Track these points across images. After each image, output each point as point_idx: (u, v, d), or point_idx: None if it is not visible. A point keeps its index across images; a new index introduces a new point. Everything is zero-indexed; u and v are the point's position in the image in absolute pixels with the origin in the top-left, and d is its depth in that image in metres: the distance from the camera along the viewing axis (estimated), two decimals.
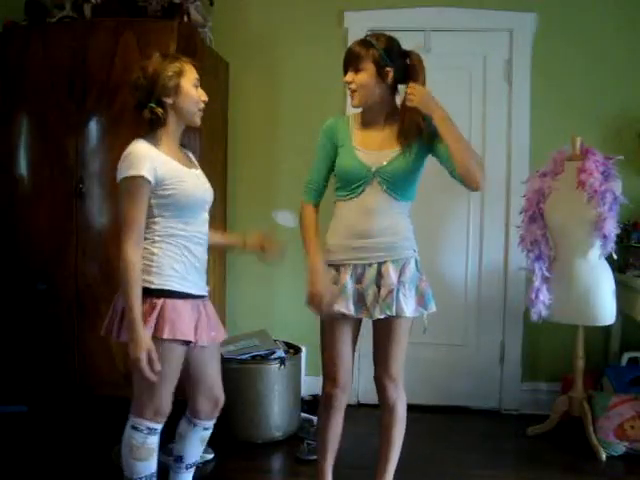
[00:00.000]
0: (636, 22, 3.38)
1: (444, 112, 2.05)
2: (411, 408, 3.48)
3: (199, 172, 2.07)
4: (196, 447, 2.17)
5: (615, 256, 2.90)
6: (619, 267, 3.14)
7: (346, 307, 2.10)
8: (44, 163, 3.11)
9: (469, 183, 2.02)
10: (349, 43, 3.42)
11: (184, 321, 1.90)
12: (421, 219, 3.52)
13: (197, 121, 2.03)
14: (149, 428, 1.94)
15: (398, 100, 2.15)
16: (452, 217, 3.56)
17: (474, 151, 2.06)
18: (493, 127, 3.49)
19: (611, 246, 2.84)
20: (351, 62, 2.08)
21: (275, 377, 3.00)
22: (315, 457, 2.82)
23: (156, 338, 1.84)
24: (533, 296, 2.98)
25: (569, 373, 3.18)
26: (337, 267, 2.13)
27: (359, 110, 2.17)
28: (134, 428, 1.94)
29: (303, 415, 3.23)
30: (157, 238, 1.90)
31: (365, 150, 2.12)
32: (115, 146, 2.99)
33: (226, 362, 2.94)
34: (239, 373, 2.95)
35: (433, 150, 2.13)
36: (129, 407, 1.98)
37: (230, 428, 2.94)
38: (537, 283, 2.98)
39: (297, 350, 3.26)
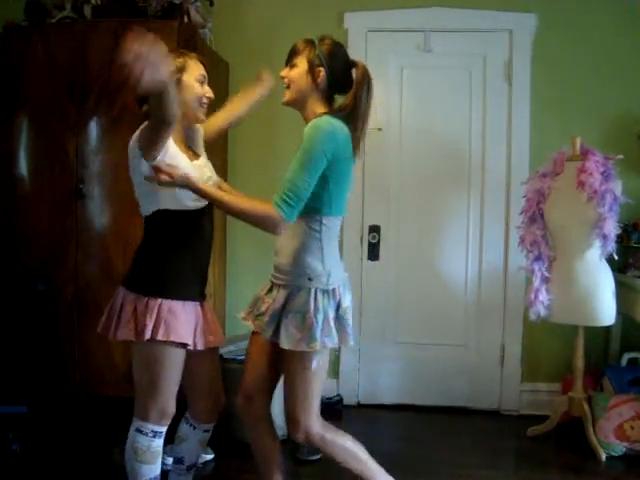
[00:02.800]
0: (636, 22, 3.38)
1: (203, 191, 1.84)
2: (411, 408, 3.53)
3: (201, 161, 2.03)
4: (197, 449, 2.16)
5: (616, 256, 2.90)
6: (619, 267, 3.14)
7: (251, 321, 2.05)
8: (44, 163, 3.11)
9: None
10: (349, 44, 3.49)
11: (180, 323, 1.87)
12: (421, 219, 3.57)
13: (200, 117, 1.99)
14: (154, 431, 1.92)
15: None
16: (452, 217, 3.56)
17: (247, 214, 1.85)
18: (493, 127, 3.49)
19: (612, 246, 2.84)
20: (289, 58, 2.05)
21: None
22: (316, 457, 2.83)
23: (153, 341, 1.83)
24: (532, 296, 2.99)
25: (569, 373, 3.18)
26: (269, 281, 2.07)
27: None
28: (139, 431, 1.91)
29: None
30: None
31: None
32: (115, 146, 3.00)
33: (226, 362, 2.94)
34: (239, 373, 2.93)
35: None
36: (131, 408, 1.97)
37: (230, 428, 2.93)
38: (536, 283, 2.99)
39: None
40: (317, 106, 1.99)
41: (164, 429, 1.95)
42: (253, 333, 2.11)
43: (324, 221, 1.93)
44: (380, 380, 3.62)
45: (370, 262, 3.55)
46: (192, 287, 1.97)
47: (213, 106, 3.36)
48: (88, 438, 2.96)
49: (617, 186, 2.85)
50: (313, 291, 1.91)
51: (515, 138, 3.46)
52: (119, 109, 2.96)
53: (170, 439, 2.20)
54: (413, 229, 3.56)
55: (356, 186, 3.51)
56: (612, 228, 2.80)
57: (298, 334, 1.89)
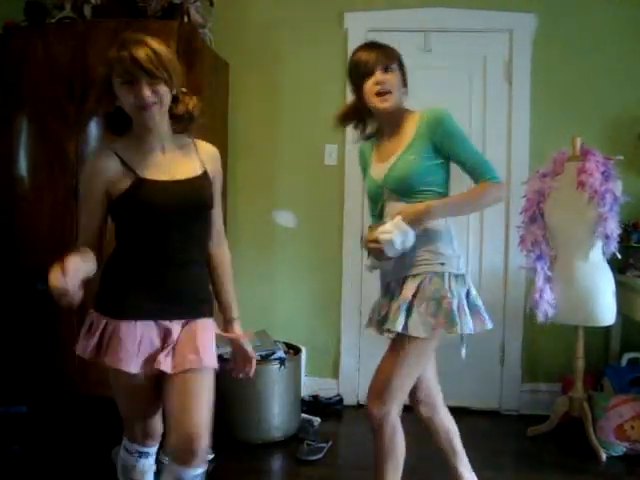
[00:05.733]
0: (636, 22, 3.38)
1: (433, 212, 1.91)
2: (411, 408, 3.50)
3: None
4: None
5: (619, 256, 2.90)
6: (619, 267, 3.14)
7: (374, 328, 2.07)
8: (44, 163, 3.11)
9: None
10: (349, 44, 3.49)
11: (123, 347, 1.65)
12: None
13: (148, 124, 1.67)
14: (139, 452, 1.84)
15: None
16: (452, 218, 3.55)
17: (478, 199, 1.98)
18: (493, 127, 3.49)
19: (614, 246, 2.84)
20: (380, 61, 1.96)
21: (275, 378, 2.99)
22: (315, 457, 2.83)
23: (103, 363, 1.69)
24: (537, 296, 2.95)
25: (569, 373, 3.18)
26: (381, 285, 2.10)
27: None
28: (125, 449, 1.86)
29: (303, 416, 3.23)
30: None
31: (376, 164, 2.07)
32: None
33: (226, 362, 2.94)
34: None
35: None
36: None
37: (230, 429, 2.94)
38: (540, 283, 2.97)
39: (297, 351, 3.26)
40: (401, 111, 2.04)
41: (150, 449, 1.85)
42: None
43: None
44: None
45: None
46: (148, 305, 1.69)
47: (213, 106, 3.39)
48: (87, 438, 2.96)
49: (617, 186, 2.85)
50: (447, 276, 1.92)
51: (515, 138, 3.46)
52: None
53: None
54: None
55: (356, 186, 3.51)
56: (614, 228, 2.80)
57: (433, 321, 1.88)
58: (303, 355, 3.33)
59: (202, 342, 1.72)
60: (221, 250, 1.90)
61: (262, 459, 2.88)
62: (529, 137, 3.45)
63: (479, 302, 1.99)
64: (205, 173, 1.78)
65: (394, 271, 1.98)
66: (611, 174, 2.84)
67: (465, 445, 3.04)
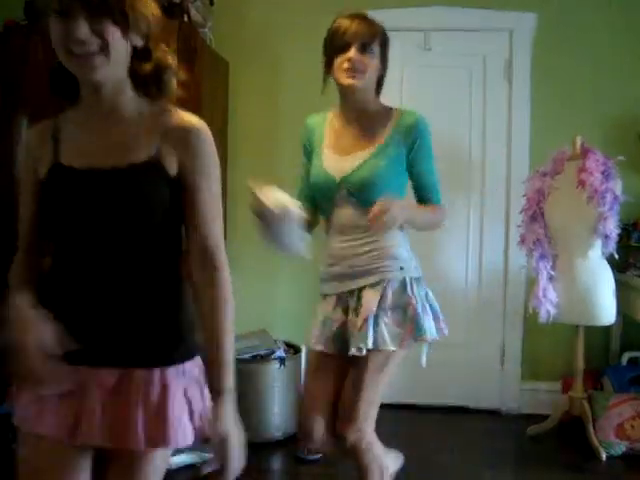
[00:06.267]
0: (636, 22, 3.38)
1: (409, 214, 1.78)
2: (411, 408, 3.52)
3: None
4: None
5: (617, 255, 2.90)
6: (619, 267, 3.14)
7: (324, 345, 1.85)
8: None
9: None
10: None
11: (26, 403, 1.19)
12: None
13: (80, 73, 1.23)
14: None
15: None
16: (452, 217, 3.53)
17: (436, 221, 1.94)
18: (493, 126, 3.49)
19: (612, 245, 2.84)
20: (359, 37, 1.76)
21: (275, 377, 3.00)
22: (315, 457, 2.83)
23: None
24: (540, 294, 2.94)
25: (569, 373, 3.18)
26: (325, 298, 1.90)
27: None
28: None
29: None
30: None
31: (333, 154, 1.86)
32: None
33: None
34: (239, 373, 2.91)
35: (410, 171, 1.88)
36: None
37: None
38: (543, 282, 2.96)
39: (297, 350, 3.26)
40: (374, 98, 1.90)
41: None
42: (312, 358, 1.93)
43: None
44: None
45: None
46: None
47: (213, 103, 3.39)
48: None
49: (617, 185, 2.85)
50: (408, 280, 1.81)
51: (515, 137, 3.46)
52: None
53: None
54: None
55: None
56: (613, 227, 2.80)
57: (401, 331, 1.76)
58: (303, 354, 3.32)
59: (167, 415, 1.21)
60: (209, 280, 1.22)
61: (262, 458, 2.87)
62: (529, 136, 3.45)
63: (437, 306, 1.88)
64: (153, 159, 1.17)
65: (348, 279, 1.82)
66: (611, 173, 2.84)
67: (465, 445, 3.06)
